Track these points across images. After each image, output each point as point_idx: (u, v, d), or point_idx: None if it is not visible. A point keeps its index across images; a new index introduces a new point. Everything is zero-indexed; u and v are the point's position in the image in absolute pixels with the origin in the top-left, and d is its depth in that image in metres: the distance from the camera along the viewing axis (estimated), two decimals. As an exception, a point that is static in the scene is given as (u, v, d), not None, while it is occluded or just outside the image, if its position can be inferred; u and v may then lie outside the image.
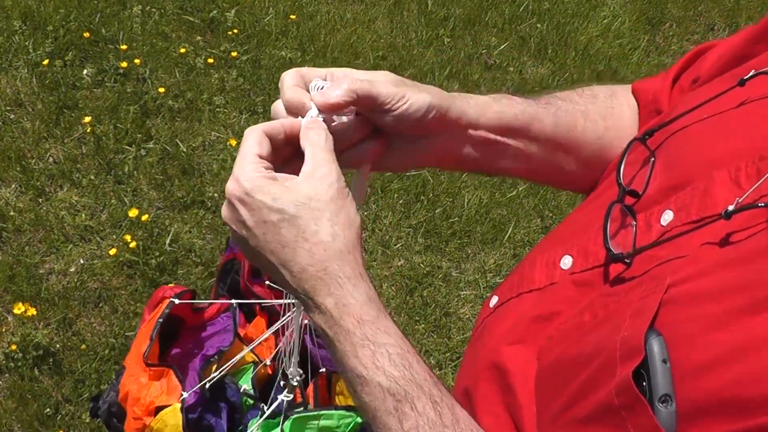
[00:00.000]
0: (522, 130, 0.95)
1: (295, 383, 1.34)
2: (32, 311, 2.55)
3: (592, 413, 0.66)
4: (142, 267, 2.80)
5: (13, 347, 2.48)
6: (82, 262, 2.81)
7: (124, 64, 3.45)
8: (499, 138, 0.94)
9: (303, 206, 0.77)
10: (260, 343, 1.94)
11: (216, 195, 3.14)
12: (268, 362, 1.87)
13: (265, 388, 1.93)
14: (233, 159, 3.24)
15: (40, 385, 2.49)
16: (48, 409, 2.44)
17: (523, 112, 0.95)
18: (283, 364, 1.20)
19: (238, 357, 1.83)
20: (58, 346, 2.58)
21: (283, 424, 1.75)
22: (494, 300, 0.93)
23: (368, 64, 3.93)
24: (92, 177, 3.05)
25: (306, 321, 1.30)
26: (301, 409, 1.81)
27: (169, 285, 2.01)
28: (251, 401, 1.90)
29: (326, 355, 1.85)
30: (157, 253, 2.85)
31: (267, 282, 1.89)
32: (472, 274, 3.21)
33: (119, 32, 3.61)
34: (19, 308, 2.53)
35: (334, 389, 2.00)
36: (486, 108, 0.93)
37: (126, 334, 2.65)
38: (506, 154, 0.97)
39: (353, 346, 0.74)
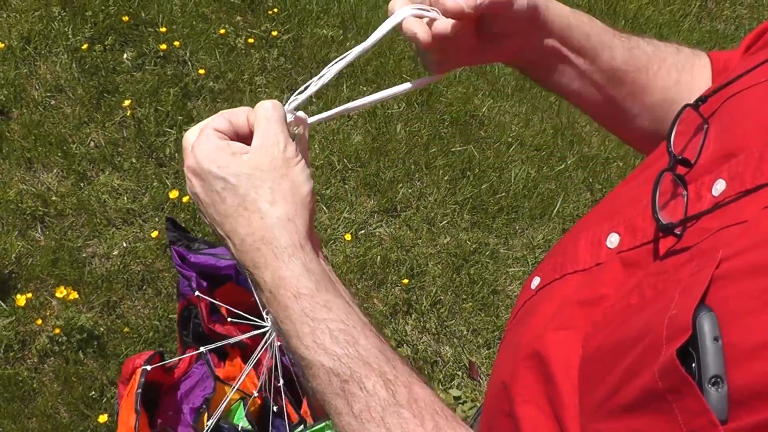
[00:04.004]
0: (590, 53, 0.95)
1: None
2: (74, 295, 2.55)
3: (635, 399, 0.59)
4: (184, 249, 2.78)
5: (57, 331, 2.48)
6: (124, 245, 2.80)
7: (164, 47, 3.43)
8: (566, 52, 0.94)
9: (244, 176, 0.76)
10: (250, 378, 1.96)
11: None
12: (256, 394, 1.88)
13: (260, 419, 1.93)
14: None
15: (84, 368, 2.49)
16: (93, 392, 2.44)
17: (597, 35, 0.95)
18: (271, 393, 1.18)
19: (226, 399, 1.87)
20: (102, 329, 2.57)
21: None
22: (536, 281, 0.87)
23: (411, 39, 3.86)
24: (134, 160, 3.04)
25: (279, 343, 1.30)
26: (302, 427, 1.82)
27: (136, 354, 2.01)
28: None
29: None
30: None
31: (229, 318, 1.92)
32: (520, 250, 3.14)
33: (158, 15, 3.59)
34: (61, 292, 2.53)
35: None
36: (563, 18, 0.93)
37: (170, 316, 2.63)
38: (571, 72, 0.96)
39: (293, 323, 0.71)
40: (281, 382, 1.51)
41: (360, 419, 0.66)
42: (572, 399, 0.69)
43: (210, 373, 1.93)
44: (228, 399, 1.87)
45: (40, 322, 2.53)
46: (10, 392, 2.40)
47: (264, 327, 1.26)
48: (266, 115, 0.80)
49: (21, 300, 2.53)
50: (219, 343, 1.62)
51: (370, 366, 0.68)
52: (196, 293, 1.87)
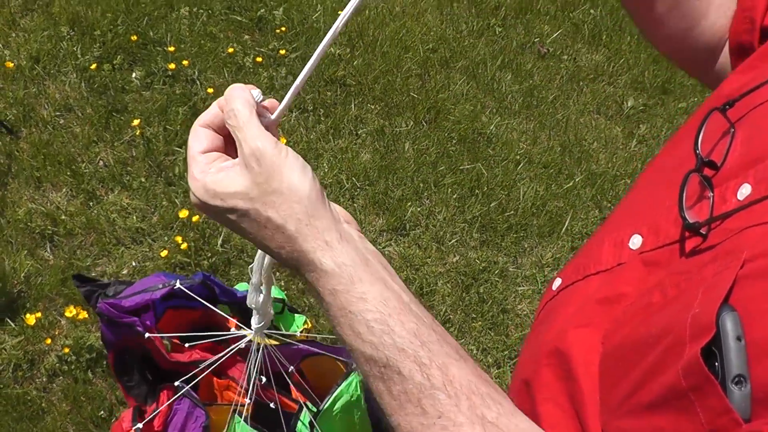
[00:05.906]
0: None
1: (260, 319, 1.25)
2: (83, 314, 2.54)
3: (658, 398, 0.60)
4: (194, 268, 2.78)
5: (66, 350, 2.48)
6: (134, 264, 2.80)
7: (173, 66, 3.44)
8: None
9: (248, 199, 0.76)
10: (233, 389, 1.98)
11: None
12: (249, 401, 1.89)
13: (260, 421, 1.93)
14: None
15: (93, 388, 2.48)
16: (102, 412, 2.43)
17: None
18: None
19: (230, 421, 1.87)
20: (111, 349, 2.57)
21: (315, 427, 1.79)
22: (557, 282, 0.88)
23: (418, 57, 3.87)
24: (142, 179, 3.04)
25: (243, 346, 1.28)
26: (305, 411, 1.82)
27: (119, 419, 2.01)
28: None
29: (286, 353, 1.86)
30: (209, 254, 2.82)
31: (186, 344, 1.90)
32: (529, 268, 3.13)
33: (167, 34, 3.61)
34: (70, 311, 2.53)
35: (313, 375, 2.06)
36: None
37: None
38: None
39: (334, 316, 0.75)
40: (263, 380, 1.51)
41: (399, 400, 0.70)
42: (593, 396, 0.70)
43: (197, 403, 1.92)
44: (229, 419, 1.87)
45: (49, 341, 2.52)
46: (19, 412, 2.39)
47: (246, 335, 1.25)
48: (242, 120, 0.76)
49: (30, 319, 2.53)
50: (202, 370, 1.61)
51: (405, 352, 0.70)
52: (147, 335, 1.85)
